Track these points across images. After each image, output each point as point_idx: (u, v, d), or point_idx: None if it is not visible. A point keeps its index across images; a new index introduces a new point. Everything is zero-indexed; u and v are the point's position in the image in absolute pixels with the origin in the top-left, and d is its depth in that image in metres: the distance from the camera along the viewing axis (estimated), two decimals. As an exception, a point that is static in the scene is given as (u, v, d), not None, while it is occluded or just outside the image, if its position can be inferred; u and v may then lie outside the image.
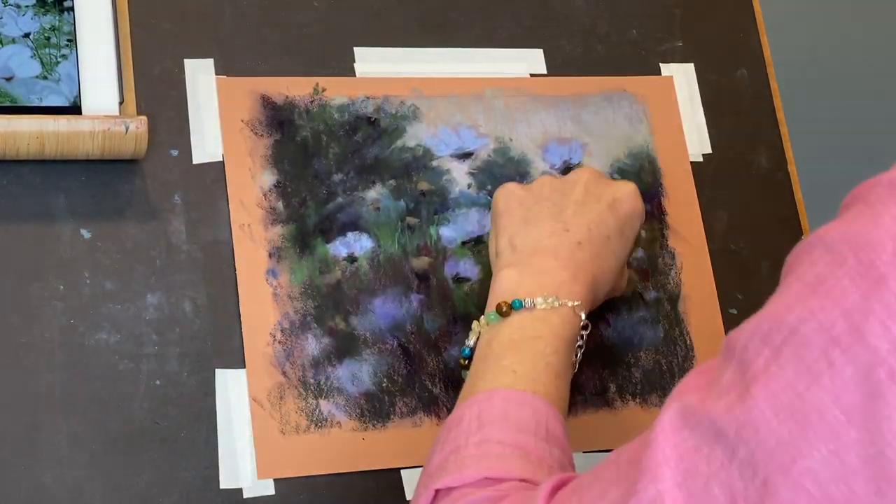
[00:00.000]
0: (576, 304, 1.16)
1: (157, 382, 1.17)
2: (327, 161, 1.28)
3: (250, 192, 1.25)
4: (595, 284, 1.19)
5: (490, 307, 1.17)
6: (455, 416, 1.08)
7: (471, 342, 1.18)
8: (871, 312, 0.80)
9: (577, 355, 1.17)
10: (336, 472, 1.20)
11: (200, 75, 1.27)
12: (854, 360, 0.80)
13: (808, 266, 0.85)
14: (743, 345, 0.85)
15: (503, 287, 1.17)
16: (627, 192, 1.23)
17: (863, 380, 0.80)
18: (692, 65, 1.42)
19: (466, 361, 1.17)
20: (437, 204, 1.30)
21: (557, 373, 1.13)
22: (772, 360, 0.83)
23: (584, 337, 1.17)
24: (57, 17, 1.20)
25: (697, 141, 1.39)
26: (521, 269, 1.18)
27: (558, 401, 1.11)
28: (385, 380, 1.23)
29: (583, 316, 1.16)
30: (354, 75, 1.31)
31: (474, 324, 1.18)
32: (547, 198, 1.22)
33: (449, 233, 1.29)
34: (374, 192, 1.29)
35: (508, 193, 1.23)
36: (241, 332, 1.21)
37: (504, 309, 1.15)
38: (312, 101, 1.29)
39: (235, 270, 1.22)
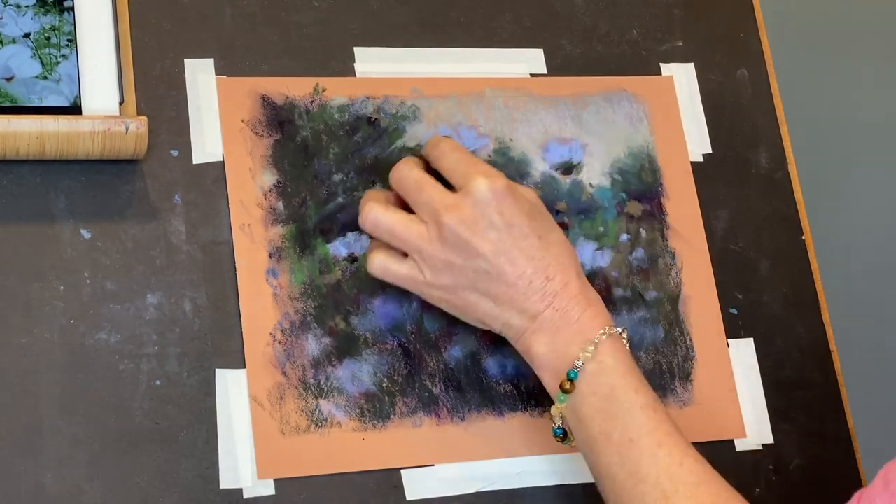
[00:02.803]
0: (602, 332, 1.16)
1: (157, 382, 1.17)
2: (327, 161, 1.28)
3: (250, 192, 1.25)
4: (585, 286, 1.20)
5: (551, 388, 1.18)
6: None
7: (557, 423, 1.19)
8: None
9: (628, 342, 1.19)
10: (336, 472, 1.20)
11: (200, 75, 1.27)
12: None
13: None
14: None
15: (545, 363, 1.18)
16: (484, 192, 1.18)
17: None
18: (692, 65, 1.42)
19: (560, 439, 1.20)
20: (437, 204, 1.30)
21: (647, 401, 1.15)
22: None
23: (626, 338, 1.19)
24: (57, 17, 1.20)
25: (697, 141, 1.39)
26: (544, 334, 1.18)
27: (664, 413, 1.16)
28: (385, 380, 1.23)
29: (615, 329, 1.17)
30: (354, 75, 1.31)
31: (553, 409, 1.18)
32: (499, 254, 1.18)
33: (449, 233, 1.29)
34: (374, 192, 1.29)
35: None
36: (241, 332, 1.21)
37: (567, 387, 1.16)
38: (312, 102, 1.29)
39: (235, 270, 1.22)
